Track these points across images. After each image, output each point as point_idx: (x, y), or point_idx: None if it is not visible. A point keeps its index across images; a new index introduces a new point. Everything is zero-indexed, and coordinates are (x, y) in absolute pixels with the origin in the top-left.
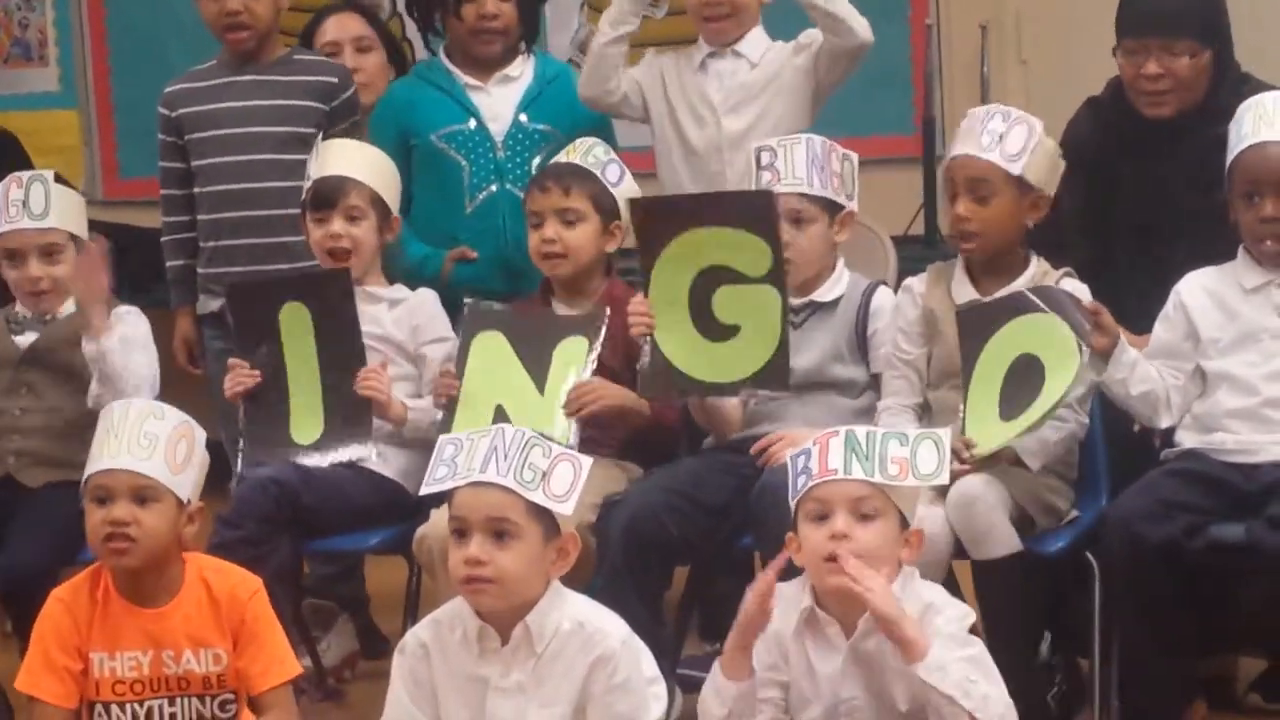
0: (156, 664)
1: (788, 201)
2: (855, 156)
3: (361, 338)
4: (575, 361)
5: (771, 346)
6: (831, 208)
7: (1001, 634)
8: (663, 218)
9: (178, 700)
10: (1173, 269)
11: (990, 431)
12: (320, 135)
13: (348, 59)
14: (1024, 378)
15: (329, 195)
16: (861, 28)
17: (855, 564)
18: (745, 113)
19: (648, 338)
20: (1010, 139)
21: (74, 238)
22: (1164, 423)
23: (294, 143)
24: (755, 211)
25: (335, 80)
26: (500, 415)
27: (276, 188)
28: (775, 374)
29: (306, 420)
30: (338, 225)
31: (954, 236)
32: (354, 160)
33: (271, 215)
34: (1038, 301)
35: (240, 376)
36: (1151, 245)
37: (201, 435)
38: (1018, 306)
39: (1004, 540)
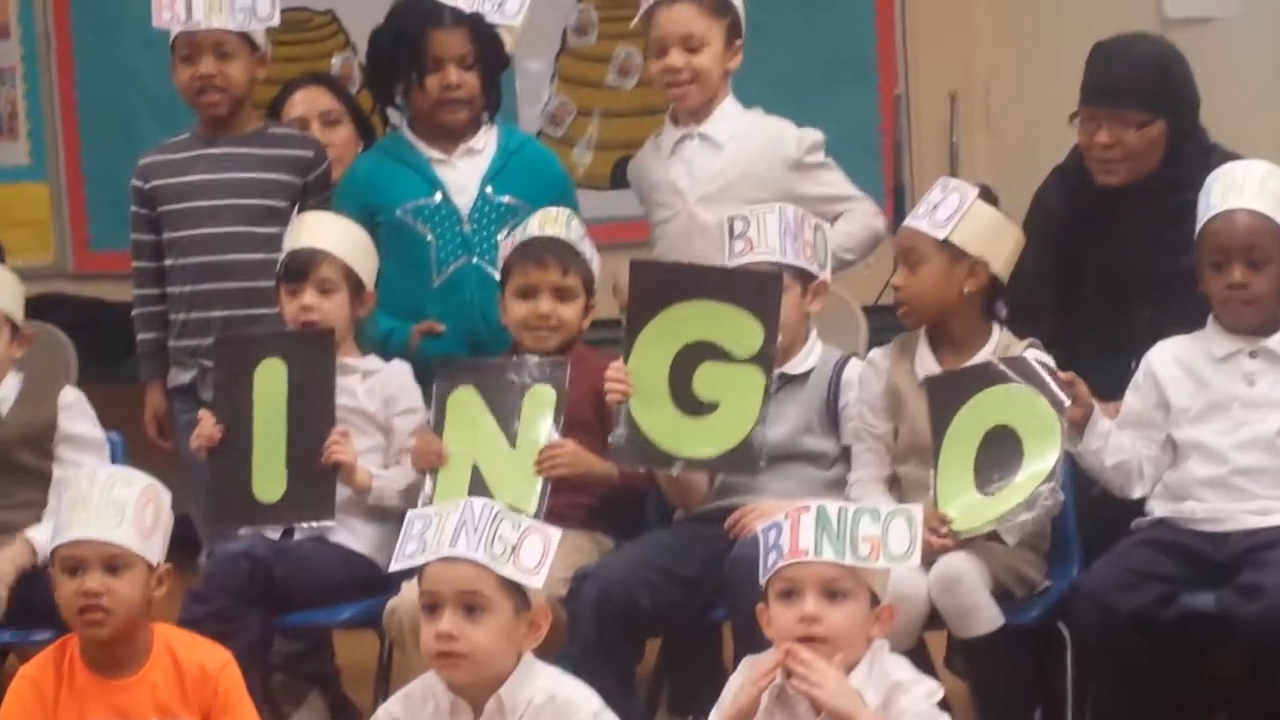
0: None
1: (761, 270)
2: (828, 227)
3: (334, 404)
4: (544, 413)
5: (746, 428)
6: (804, 277)
7: (992, 709)
8: (662, 284)
9: None
10: (1137, 336)
11: (966, 505)
12: (295, 209)
13: (315, 133)
14: (999, 450)
15: (301, 267)
16: (871, 240)
17: (807, 659)
18: (719, 208)
19: (622, 405)
20: (942, 207)
21: (9, 320)
22: (1137, 493)
23: (267, 215)
24: (760, 292)
25: (310, 154)
26: (476, 475)
27: (249, 260)
28: (746, 456)
29: (269, 479)
30: (309, 297)
31: (894, 306)
32: (328, 233)
33: (244, 288)
34: (1009, 372)
35: (206, 430)
36: (1116, 312)
37: (167, 496)
38: (988, 376)
39: (988, 618)
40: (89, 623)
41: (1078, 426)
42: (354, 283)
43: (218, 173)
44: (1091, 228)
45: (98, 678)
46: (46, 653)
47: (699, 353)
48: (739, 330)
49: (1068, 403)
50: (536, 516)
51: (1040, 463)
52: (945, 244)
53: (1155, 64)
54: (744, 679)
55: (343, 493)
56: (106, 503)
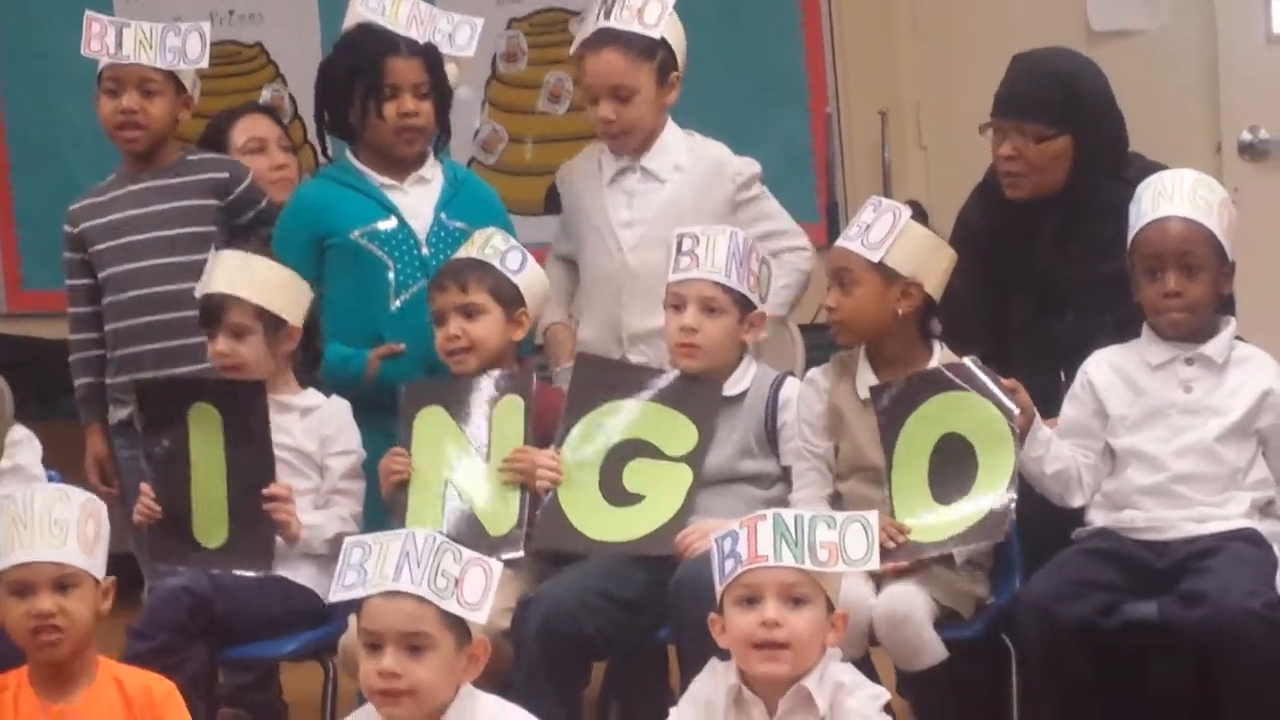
0: None
1: (702, 289)
2: (772, 263)
3: (272, 453)
4: (515, 422)
5: (668, 516)
6: (743, 304)
7: None
8: (605, 380)
9: None
10: (1061, 344)
11: (923, 513)
12: (219, 231)
13: (276, 155)
14: (953, 459)
15: (211, 314)
16: (801, 287)
17: None
18: (653, 252)
19: (549, 491)
20: (875, 228)
21: None
22: (1076, 501)
23: (193, 243)
24: (700, 400)
25: (227, 175)
26: (451, 492)
27: (178, 290)
28: (664, 539)
29: (211, 523)
30: (222, 344)
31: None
32: (236, 276)
33: (174, 319)
34: (955, 379)
35: (145, 505)
36: (1040, 323)
37: (103, 508)
38: (936, 383)
39: (933, 653)
40: (43, 644)
41: (1020, 435)
42: (269, 321)
43: (141, 207)
44: (1011, 241)
45: (43, 702)
46: None
47: (633, 449)
48: (674, 432)
49: (1016, 411)
50: (520, 528)
51: (996, 474)
52: (879, 265)
53: (1061, 79)
54: None
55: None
56: (49, 523)
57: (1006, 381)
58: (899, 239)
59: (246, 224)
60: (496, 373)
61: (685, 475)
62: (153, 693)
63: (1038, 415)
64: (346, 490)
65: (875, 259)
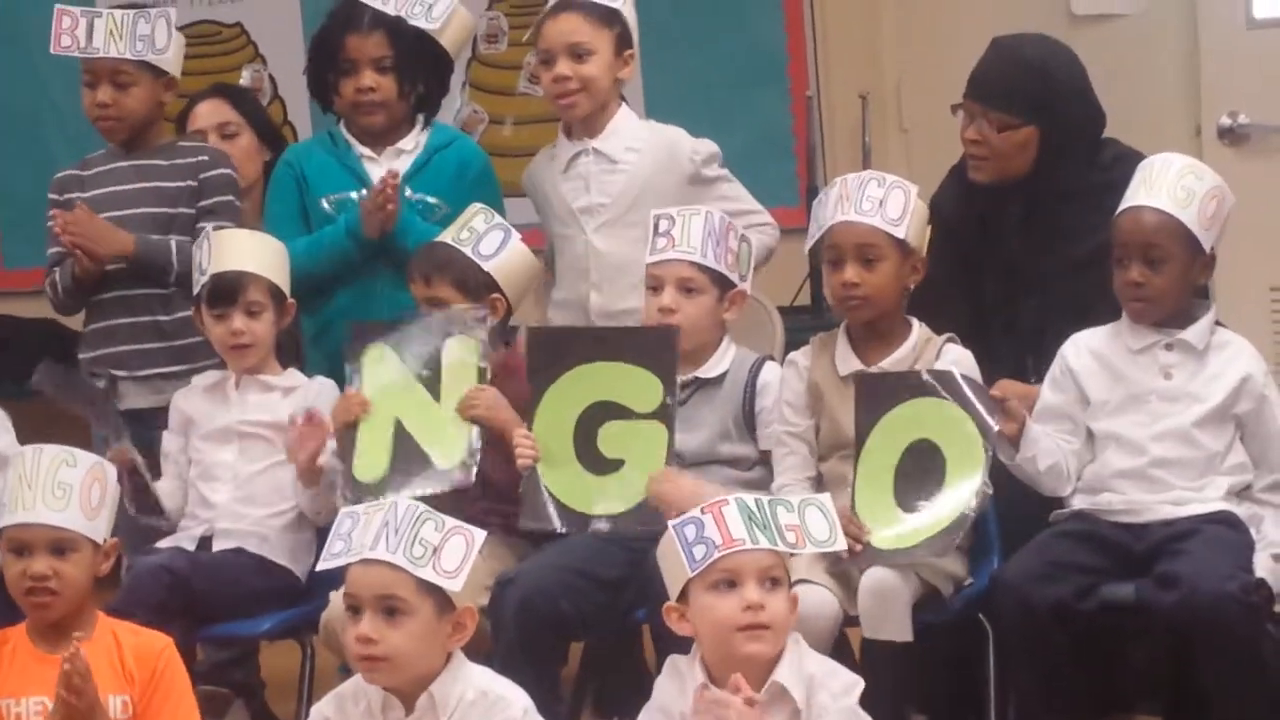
0: None
1: (679, 269)
2: (753, 239)
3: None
4: (468, 363)
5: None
6: (722, 283)
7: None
8: (559, 350)
9: None
10: (1024, 325)
11: (885, 517)
12: (193, 213)
13: (214, 144)
14: (922, 465)
15: (228, 291)
16: (763, 258)
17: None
18: (617, 234)
19: (530, 468)
20: (890, 204)
21: None
22: (1066, 490)
23: (167, 223)
24: (655, 348)
25: (205, 158)
26: (400, 430)
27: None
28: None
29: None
30: (239, 322)
31: (842, 302)
32: (251, 253)
33: (147, 295)
34: (937, 386)
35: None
36: (1011, 307)
37: (112, 472)
38: (918, 387)
39: (900, 628)
40: (36, 605)
41: (1013, 440)
42: (278, 298)
43: (123, 184)
44: (980, 225)
45: (40, 652)
46: None
47: (601, 412)
48: (638, 387)
49: (995, 428)
50: (471, 458)
51: (961, 491)
52: (900, 241)
53: (1031, 69)
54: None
55: (265, 509)
56: (53, 484)
57: (994, 393)
58: (914, 214)
59: (202, 209)
60: (449, 310)
61: (659, 433)
62: (151, 644)
63: (1029, 419)
64: (330, 468)
65: (900, 235)
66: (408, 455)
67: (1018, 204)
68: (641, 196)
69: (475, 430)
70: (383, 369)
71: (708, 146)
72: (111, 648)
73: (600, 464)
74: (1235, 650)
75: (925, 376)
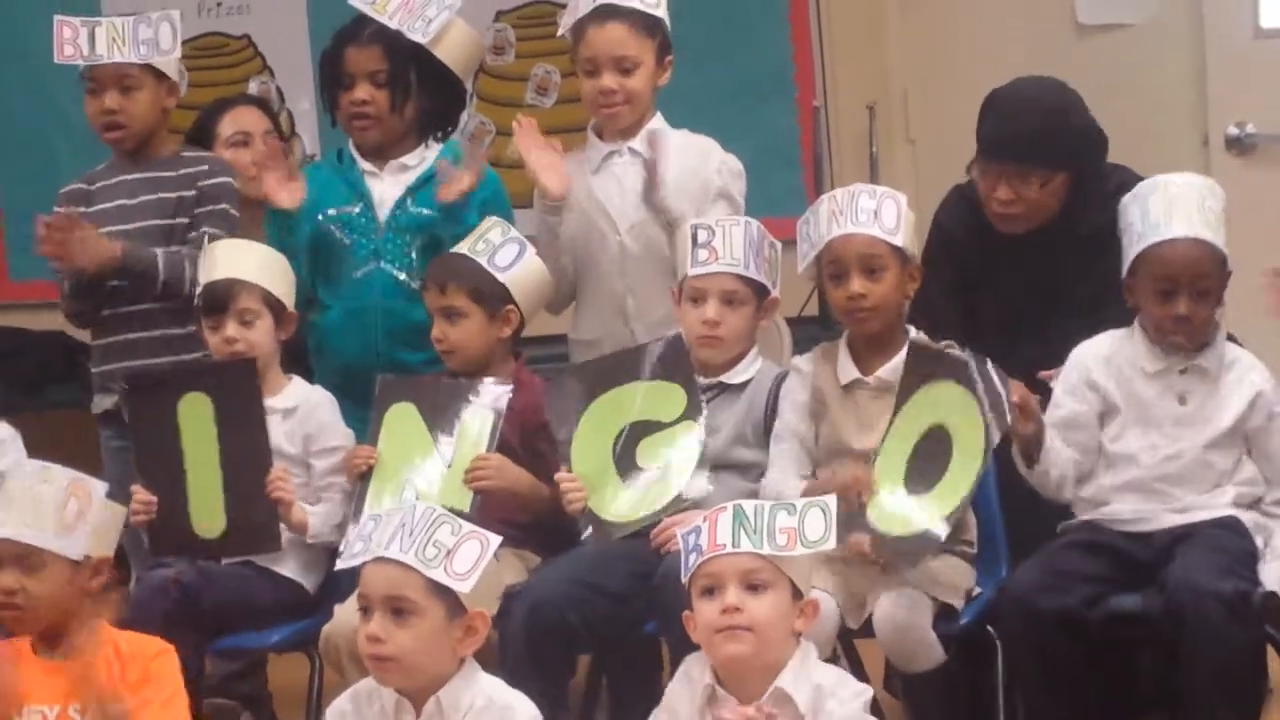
0: (63, 718)
1: (723, 282)
2: (779, 245)
3: (267, 432)
4: (481, 432)
5: (691, 465)
6: (760, 292)
7: None
8: (575, 388)
9: None
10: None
11: (892, 488)
12: (189, 223)
13: (258, 149)
14: (932, 452)
15: (219, 300)
16: None
17: None
18: (650, 235)
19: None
20: (884, 214)
21: None
22: (1068, 495)
23: (168, 234)
24: (668, 359)
25: (205, 166)
26: (408, 488)
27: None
28: (697, 483)
29: (207, 514)
30: (232, 330)
31: (849, 314)
32: (242, 261)
33: (155, 309)
34: (976, 378)
35: (140, 504)
36: (1012, 350)
37: (99, 488)
38: (957, 374)
39: (932, 655)
40: (6, 619)
41: (1033, 444)
42: (276, 307)
43: (131, 197)
44: (985, 254)
45: (42, 661)
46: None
47: (635, 432)
48: (662, 399)
49: (1010, 419)
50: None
51: (952, 492)
52: (899, 250)
53: (1053, 118)
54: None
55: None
56: (27, 499)
57: (1015, 396)
58: (907, 222)
59: (197, 216)
60: (477, 383)
61: (691, 428)
62: (142, 650)
63: (1048, 427)
64: (333, 484)
65: (899, 243)
66: None
67: (1034, 247)
68: (673, 197)
69: (473, 500)
70: (402, 427)
71: (735, 163)
72: (112, 658)
73: (643, 475)
74: (1219, 650)
75: (970, 367)
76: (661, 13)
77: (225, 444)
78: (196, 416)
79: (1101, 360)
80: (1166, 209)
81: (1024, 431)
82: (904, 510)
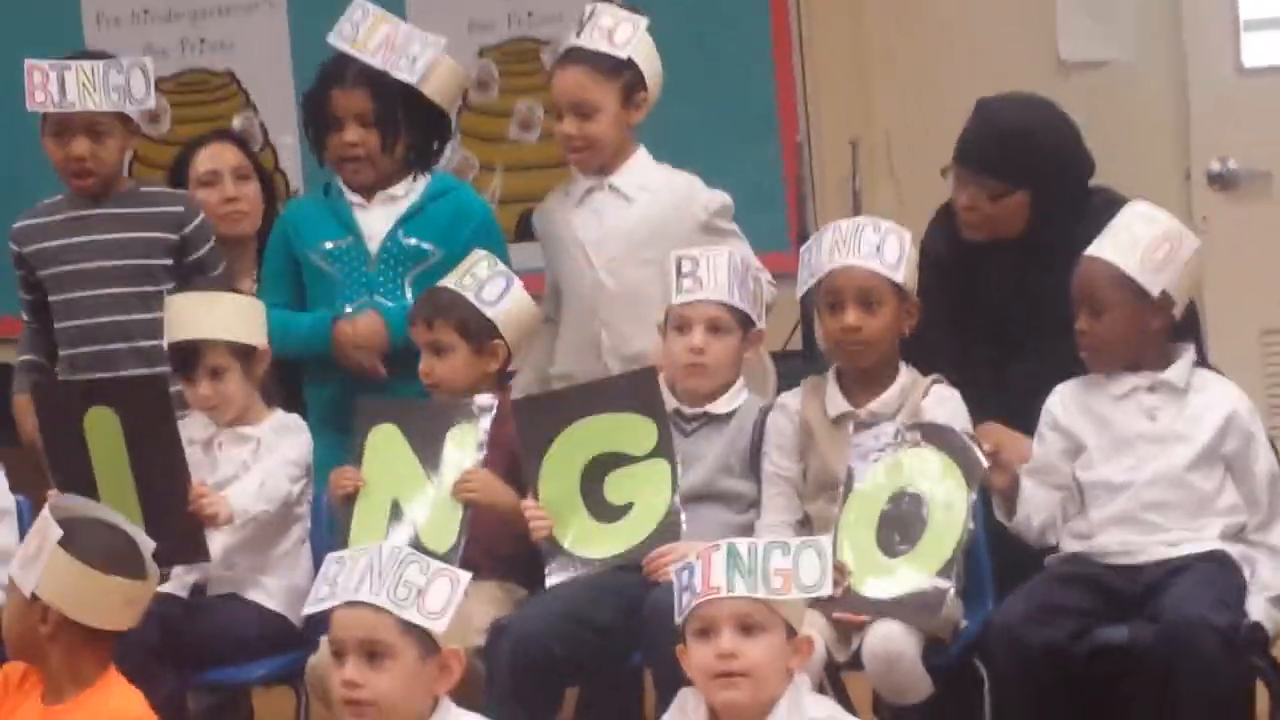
0: None
1: (708, 310)
2: (765, 277)
3: (182, 449)
4: (467, 449)
5: (663, 511)
6: (745, 323)
7: None
8: (546, 415)
9: None
10: (1029, 389)
11: (864, 555)
12: (173, 266)
13: (228, 188)
14: (906, 516)
15: (187, 360)
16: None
17: None
18: (626, 273)
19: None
20: (887, 249)
21: None
22: (1052, 540)
23: (144, 275)
24: (638, 392)
25: (181, 209)
26: (396, 510)
27: (130, 321)
28: (669, 530)
29: None
30: (205, 388)
31: (842, 346)
32: (202, 319)
33: (124, 349)
34: (934, 438)
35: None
36: (1003, 367)
37: (55, 533)
38: (903, 440)
39: (921, 688)
40: None
41: (1008, 498)
42: (244, 352)
43: (90, 234)
44: (970, 275)
45: (40, 705)
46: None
47: (602, 465)
48: (631, 432)
49: (985, 464)
50: (457, 548)
51: (939, 549)
52: (897, 286)
53: (1014, 136)
54: None
55: (259, 555)
56: None
57: (987, 448)
58: (909, 261)
59: (192, 264)
60: (460, 402)
61: (662, 468)
62: (125, 713)
63: (1022, 478)
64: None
65: (899, 279)
66: (401, 537)
67: (1009, 264)
68: (652, 237)
69: (464, 514)
70: (386, 449)
71: (722, 198)
72: (98, 709)
73: (612, 513)
74: (1213, 683)
75: (910, 432)
76: (629, 53)
77: (136, 460)
78: (104, 431)
79: (1070, 400)
80: (1104, 233)
81: (999, 484)
82: (891, 573)
